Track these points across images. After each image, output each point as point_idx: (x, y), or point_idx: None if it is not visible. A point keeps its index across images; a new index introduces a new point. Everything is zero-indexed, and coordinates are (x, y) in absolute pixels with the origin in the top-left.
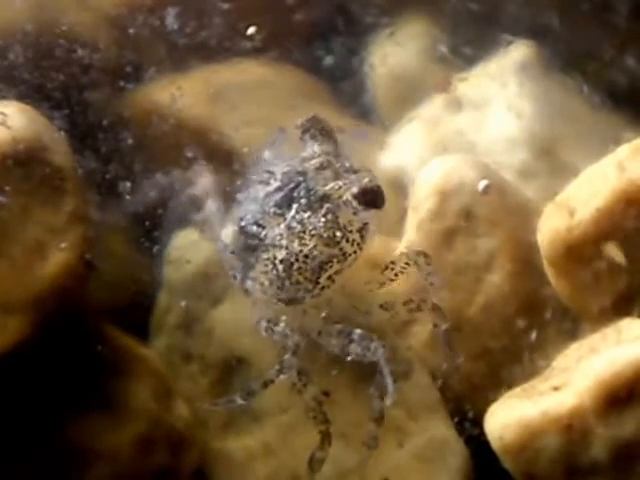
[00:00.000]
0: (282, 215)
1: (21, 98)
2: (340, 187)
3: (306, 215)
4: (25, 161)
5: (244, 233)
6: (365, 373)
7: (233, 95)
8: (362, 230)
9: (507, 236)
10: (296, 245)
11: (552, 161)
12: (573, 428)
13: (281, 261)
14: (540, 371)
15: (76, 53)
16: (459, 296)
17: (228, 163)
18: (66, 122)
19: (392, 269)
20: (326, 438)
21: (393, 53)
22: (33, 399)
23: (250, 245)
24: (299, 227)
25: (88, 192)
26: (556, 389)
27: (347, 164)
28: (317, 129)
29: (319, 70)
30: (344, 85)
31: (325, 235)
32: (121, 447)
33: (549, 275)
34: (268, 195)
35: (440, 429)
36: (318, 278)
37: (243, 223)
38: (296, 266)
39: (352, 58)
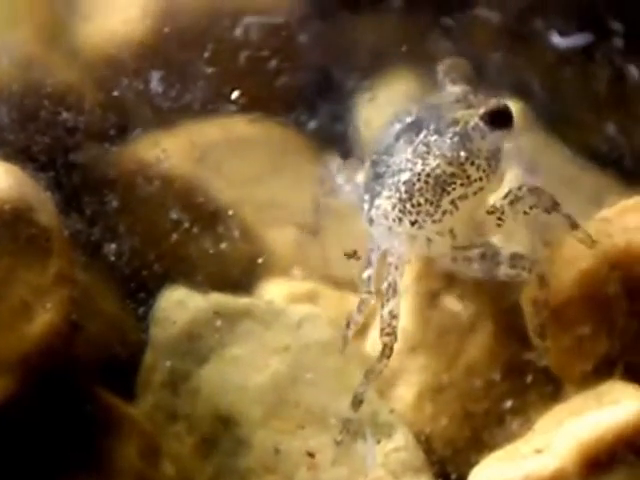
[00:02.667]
0: (411, 143)
1: (7, 159)
2: (470, 114)
3: (433, 138)
4: (11, 221)
5: (374, 164)
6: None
7: (218, 154)
8: (490, 158)
9: (490, 299)
10: (419, 165)
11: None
12: None
13: (404, 182)
14: (522, 433)
15: (61, 115)
16: (442, 358)
17: (213, 224)
18: (52, 183)
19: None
20: (388, 350)
21: (376, 117)
22: (21, 457)
23: (378, 173)
24: (424, 149)
25: (74, 253)
26: (538, 452)
27: (482, 98)
28: (458, 73)
29: (303, 134)
30: (330, 146)
31: (449, 155)
32: None
33: (532, 337)
34: (402, 129)
35: None
36: (439, 200)
37: (374, 156)
38: (417, 186)
39: (335, 122)
